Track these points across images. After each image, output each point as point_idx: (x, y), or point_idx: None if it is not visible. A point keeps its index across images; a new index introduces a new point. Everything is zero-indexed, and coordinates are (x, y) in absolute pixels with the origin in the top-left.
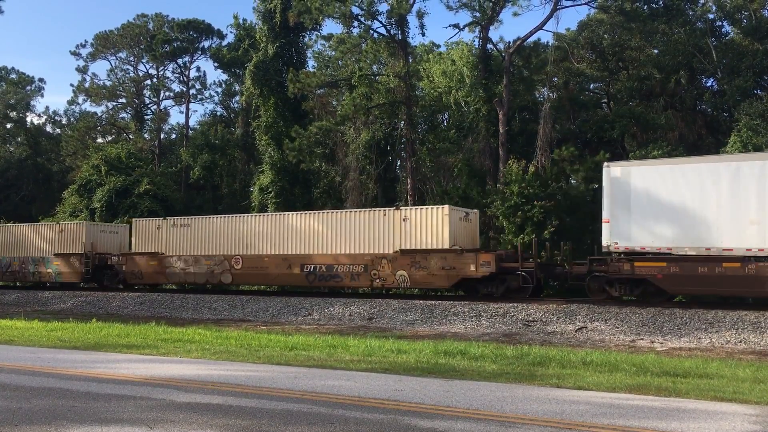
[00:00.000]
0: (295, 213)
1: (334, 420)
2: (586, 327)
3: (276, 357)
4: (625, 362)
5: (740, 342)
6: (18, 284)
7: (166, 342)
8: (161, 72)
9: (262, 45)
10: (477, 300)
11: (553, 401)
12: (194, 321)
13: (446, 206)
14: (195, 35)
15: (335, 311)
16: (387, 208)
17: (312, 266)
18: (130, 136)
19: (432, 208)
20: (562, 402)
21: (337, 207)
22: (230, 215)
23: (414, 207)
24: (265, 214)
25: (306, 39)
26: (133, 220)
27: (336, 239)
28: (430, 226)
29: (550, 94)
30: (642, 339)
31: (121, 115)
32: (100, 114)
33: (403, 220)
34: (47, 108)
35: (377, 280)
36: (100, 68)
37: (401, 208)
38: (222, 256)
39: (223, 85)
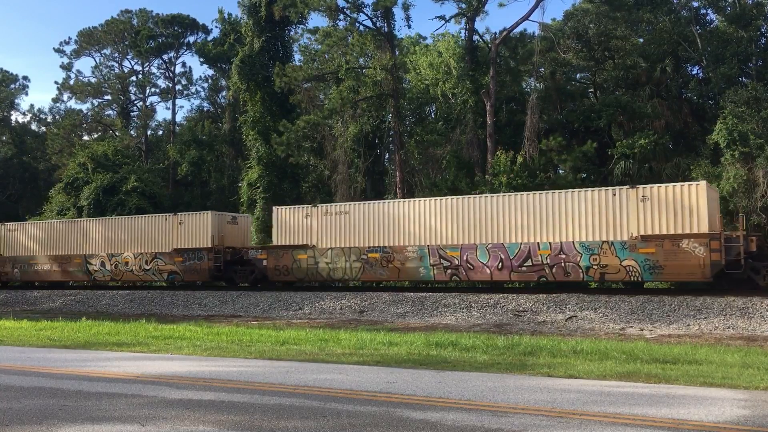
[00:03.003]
0: None
1: (327, 413)
2: (576, 316)
3: (267, 352)
4: (615, 350)
5: (728, 328)
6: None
7: (157, 339)
8: (146, 68)
9: (247, 39)
10: (468, 291)
11: (544, 390)
12: (185, 318)
13: None
14: (180, 30)
15: (326, 305)
16: None
17: None
18: (117, 133)
19: None
20: (553, 391)
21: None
22: None
23: None
24: None
25: (292, 33)
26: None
27: None
28: None
29: (537, 85)
30: (631, 327)
31: (106, 112)
32: (85, 111)
33: None
34: (32, 106)
35: None
36: (85, 65)
37: None
38: None
39: (209, 81)
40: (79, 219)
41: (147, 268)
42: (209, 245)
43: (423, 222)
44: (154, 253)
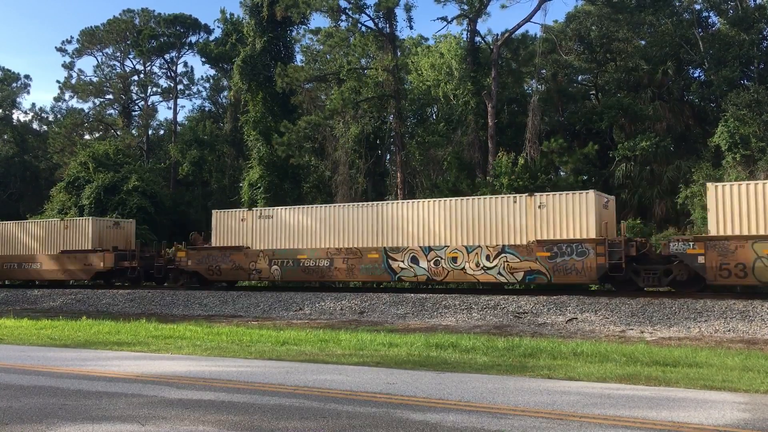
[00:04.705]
0: None
1: (327, 414)
2: (577, 318)
3: (267, 352)
4: (615, 352)
5: (729, 331)
6: None
7: (157, 339)
8: (148, 68)
9: (249, 39)
10: (468, 293)
11: (544, 392)
12: (185, 317)
13: None
14: (182, 30)
15: (326, 306)
16: None
17: None
18: (118, 133)
19: None
20: (553, 393)
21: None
22: None
23: None
24: None
25: (294, 33)
26: None
27: None
28: None
29: (539, 87)
30: (632, 329)
31: (108, 112)
32: (87, 111)
33: None
34: (33, 105)
35: None
36: (87, 64)
37: None
38: None
39: (211, 81)
40: (374, 203)
41: (489, 266)
42: (593, 235)
43: None
44: (500, 247)
